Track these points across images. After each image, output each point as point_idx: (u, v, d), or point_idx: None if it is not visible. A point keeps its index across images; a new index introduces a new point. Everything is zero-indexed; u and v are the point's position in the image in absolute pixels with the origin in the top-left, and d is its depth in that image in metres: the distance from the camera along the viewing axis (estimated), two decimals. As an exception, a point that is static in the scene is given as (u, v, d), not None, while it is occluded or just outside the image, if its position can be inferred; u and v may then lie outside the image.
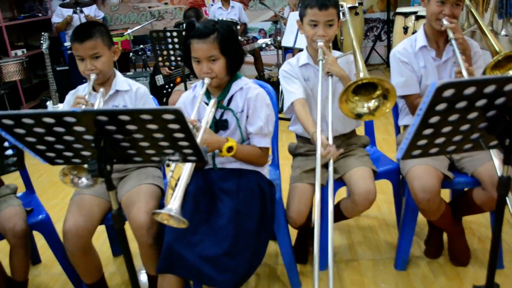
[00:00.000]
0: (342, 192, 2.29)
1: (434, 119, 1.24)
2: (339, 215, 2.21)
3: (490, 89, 1.18)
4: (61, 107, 2.25)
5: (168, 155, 1.36)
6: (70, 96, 2.24)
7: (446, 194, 2.41)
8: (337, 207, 2.21)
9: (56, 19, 5.66)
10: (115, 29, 7.21)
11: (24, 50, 6.39)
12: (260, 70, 6.20)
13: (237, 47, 1.97)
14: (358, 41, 2.40)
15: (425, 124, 1.25)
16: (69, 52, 5.35)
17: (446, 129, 1.30)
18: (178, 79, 4.69)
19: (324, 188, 2.17)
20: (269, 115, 1.99)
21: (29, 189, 2.48)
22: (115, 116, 1.17)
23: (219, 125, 2.00)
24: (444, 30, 2.09)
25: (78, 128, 1.23)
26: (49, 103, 4.65)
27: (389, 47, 6.83)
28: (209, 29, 1.87)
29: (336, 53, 2.26)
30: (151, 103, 2.24)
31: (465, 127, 1.31)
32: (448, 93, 1.16)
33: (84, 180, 1.84)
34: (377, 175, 2.21)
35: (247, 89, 1.99)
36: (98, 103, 2.01)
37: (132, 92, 2.19)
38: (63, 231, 1.95)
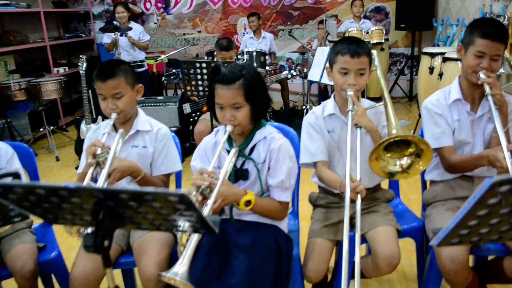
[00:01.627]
0: (362, 249, 2.02)
1: (482, 212, 0.99)
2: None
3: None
4: (93, 128, 2.05)
5: (176, 227, 1.14)
6: (91, 133, 2.06)
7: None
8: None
9: (106, 39, 5.56)
10: (152, 51, 7.12)
11: (66, 68, 6.33)
12: (286, 99, 5.98)
13: (263, 95, 1.75)
14: (383, 76, 2.16)
15: (471, 216, 1.00)
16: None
17: (494, 221, 1.04)
18: (205, 108, 4.50)
19: (341, 245, 1.92)
20: (292, 167, 1.75)
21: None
22: (115, 195, 0.95)
23: (239, 174, 1.76)
24: (480, 84, 1.84)
25: (75, 200, 1.02)
26: (83, 123, 4.51)
27: (411, 82, 6.54)
28: (235, 75, 1.65)
29: (365, 103, 2.01)
30: (171, 145, 2.03)
31: (514, 219, 1.05)
32: (504, 188, 0.91)
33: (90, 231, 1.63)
34: (400, 233, 1.95)
35: (271, 139, 1.76)
36: (116, 145, 1.81)
37: (153, 133, 1.99)
38: (70, 278, 1.74)
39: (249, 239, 1.69)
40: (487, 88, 1.80)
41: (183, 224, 1.12)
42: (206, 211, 1.48)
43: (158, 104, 4.59)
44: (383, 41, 5.29)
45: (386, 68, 5.69)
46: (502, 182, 0.89)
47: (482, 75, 1.83)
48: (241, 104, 1.65)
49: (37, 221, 2.20)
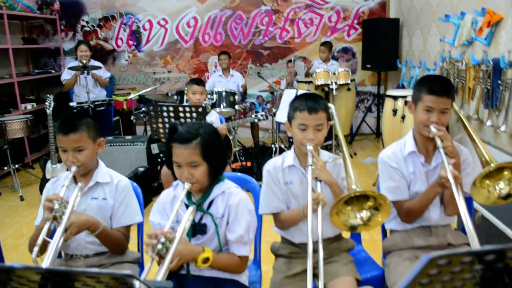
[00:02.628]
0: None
1: (425, 280, 1.02)
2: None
3: (489, 257, 0.97)
4: (52, 180, 2.02)
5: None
6: (50, 185, 2.03)
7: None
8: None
9: (65, 76, 5.55)
10: (122, 88, 7.11)
11: (34, 104, 6.25)
12: (256, 137, 6.04)
13: (220, 152, 1.77)
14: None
15: (415, 284, 1.03)
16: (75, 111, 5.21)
17: (438, 286, 1.08)
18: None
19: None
20: (251, 222, 1.76)
21: None
22: (61, 275, 0.94)
23: (197, 229, 1.76)
24: (432, 137, 1.91)
25: (23, 275, 1.00)
26: (48, 163, 4.43)
27: (378, 119, 6.72)
28: (191, 134, 1.68)
29: (324, 155, 2.05)
30: (132, 196, 2.01)
31: (458, 284, 1.09)
32: (442, 262, 0.95)
33: None
34: (362, 282, 1.97)
35: (229, 194, 1.78)
36: (74, 199, 1.79)
37: (113, 185, 1.98)
38: None
39: (208, 296, 1.68)
40: (438, 141, 1.87)
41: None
42: (162, 271, 1.47)
43: (126, 143, 4.57)
44: (349, 82, 5.43)
45: (353, 107, 5.83)
46: (440, 257, 0.93)
47: (433, 129, 1.90)
48: (198, 162, 1.67)
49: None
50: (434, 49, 5.09)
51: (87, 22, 7.15)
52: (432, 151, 2.03)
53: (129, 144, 4.58)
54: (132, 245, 2.09)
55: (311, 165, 1.85)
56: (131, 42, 7.17)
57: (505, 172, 1.83)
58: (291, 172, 2.01)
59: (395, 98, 4.33)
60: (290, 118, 1.98)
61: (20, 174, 5.18)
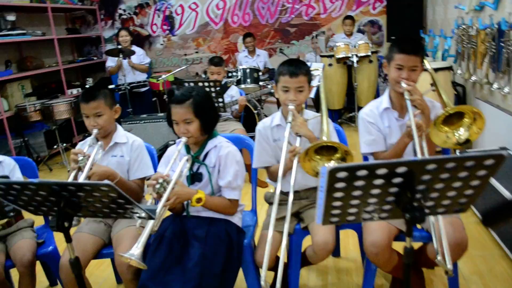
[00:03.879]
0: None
1: (338, 195, 1.30)
2: (305, 261, 2.25)
3: (382, 171, 1.24)
4: (81, 142, 2.45)
5: (121, 214, 1.48)
6: (79, 146, 2.44)
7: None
8: (303, 253, 2.25)
9: (110, 63, 6.04)
10: (159, 71, 7.57)
11: (79, 89, 6.81)
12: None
13: (211, 112, 2.10)
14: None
15: (331, 198, 1.31)
16: (119, 92, 5.71)
17: (354, 202, 1.35)
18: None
19: (292, 236, 2.24)
20: (238, 171, 2.09)
21: (47, 222, 2.67)
22: (64, 186, 1.31)
23: (194, 177, 2.12)
24: (403, 92, 2.12)
25: (42, 192, 1.38)
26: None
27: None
28: (185, 96, 2.02)
29: (308, 114, 2.33)
30: (145, 154, 2.39)
31: (372, 200, 1.35)
32: (341, 175, 1.22)
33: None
34: (342, 225, 2.25)
35: (220, 147, 2.11)
36: (95, 154, 2.18)
37: (128, 144, 2.36)
38: (59, 265, 2.10)
39: (203, 231, 2.03)
40: (406, 95, 2.10)
41: (125, 212, 1.47)
42: (160, 204, 1.83)
43: (158, 120, 4.99)
44: (370, 54, 5.58)
45: (375, 79, 5.97)
46: (336, 170, 1.21)
47: (403, 84, 2.12)
48: (191, 119, 2.01)
49: (38, 223, 2.58)
50: (452, 16, 5.14)
51: (124, 10, 7.64)
52: (406, 107, 2.25)
53: (161, 120, 5.00)
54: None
55: (290, 122, 2.14)
56: (165, 27, 7.60)
57: (465, 119, 2.03)
58: (279, 131, 2.30)
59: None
60: (276, 82, 2.27)
61: (68, 153, 5.74)
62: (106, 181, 1.25)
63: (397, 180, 1.27)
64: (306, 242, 2.22)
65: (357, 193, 1.30)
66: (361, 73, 5.72)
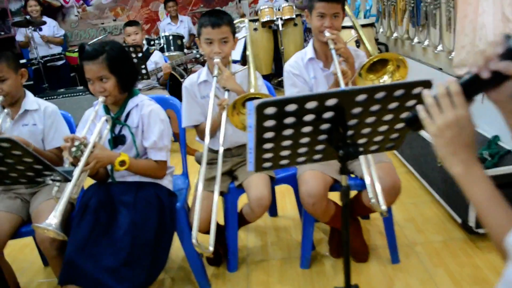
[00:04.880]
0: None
1: (268, 135, 1.24)
2: (243, 220, 2.20)
3: (312, 105, 1.18)
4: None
5: (32, 177, 1.33)
6: None
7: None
8: (240, 212, 2.20)
9: (19, 37, 5.56)
10: (75, 44, 7.10)
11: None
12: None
13: (128, 66, 1.95)
14: (250, 43, 2.38)
15: (261, 140, 1.25)
16: (33, 67, 5.28)
17: (286, 143, 1.29)
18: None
19: (227, 195, 2.17)
20: (163, 130, 1.97)
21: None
22: None
23: (117, 140, 1.97)
24: (326, 40, 2.09)
25: None
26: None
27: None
28: (97, 51, 1.85)
29: (235, 68, 2.24)
30: (60, 121, 2.19)
31: (305, 140, 1.31)
32: (270, 111, 1.16)
33: None
34: (277, 181, 2.22)
35: (142, 106, 1.98)
36: (1, 122, 1.96)
37: (41, 111, 2.15)
38: None
39: (131, 197, 1.90)
40: (330, 44, 2.06)
41: (38, 175, 1.32)
42: (77, 170, 1.67)
43: (77, 93, 4.68)
44: (294, 16, 5.56)
45: (301, 42, 5.98)
46: (264, 104, 1.14)
47: (326, 33, 2.08)
48: (106, 76, 1.85)
49: None
50: (373, -25, 5.22)
51: (31, -21, 7.02)
52: (331, 57, 2.21)
53: (81, 94, 4.69)
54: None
55: (216, 76, 2.05)
56: (78, -3, 7.11)
57: (389, 66, 2.05)
58: (206, 87, 2.20)
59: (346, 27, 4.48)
60: (199, 35, 2.15)
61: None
62: (5, 136, 1.08)
63: (328, 115, 1.23)
64: (242, 201, 2.17)
65: (288, 132, 1.25)
66: (287, 37, 5.69)
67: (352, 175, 2.16)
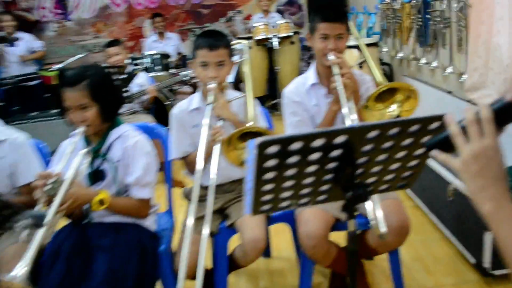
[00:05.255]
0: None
1: (269, 175, 1.19)
2: (234, 264, 2.14)
3: (319, 142, 1.15)
4: None
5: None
6: None
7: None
8: (231, 256, 2.14)
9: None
10: (52, 62, 7.06)
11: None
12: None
13: (112, 93, 1.91)
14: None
15: (261, 181, 1.20)
16: (3, 88, 5.24)
17: (288, 184, 1.25)
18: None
19: (217, 236, 2.11)
20: (149, 164, 1.92)
21: None
22: None
23: (96, 175, 1.91)
24: (331, 64, 2.06)
25: None
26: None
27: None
28: (78, 76, 1.81)
29: (232, 95, 2.21)
30: (30, 153, 2.12)
31: (309, 180, 1.26)
32: (273, 150, 1.12)
33: None
34: (273, 219, 2.17)
35: (126, 137, 1.93)
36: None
37: (8, 143, 2.06)
38: None
39: (109, 240, 1.83)
40: (334, 69, 2.03)
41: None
42: (51, 211, 1.60)
43: (52, 118, 4.62)
44: (291, 34, 5.59)
45: (297, 61, 6.00)
46: (267, 143, 1.10)
47: (331, 57, 2.06)
48: (88, 104, 1.80)
49: None
50: (374, -8, 5.29)
51: (4, -8, 7.05)
52: None
53: (56, 118, 4.62)
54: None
55: (211, 103, 2.00)
56: (57, 11, 7.11)
57: (398, 95, 2.03)
58: (198, 115, 2.14)
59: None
60: (193, 57, 2.11)
61: None
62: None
63: (335, 153, 1.19)
64: (233, 243, 2.11)
65: (291, 172, 1.21)
66: (283, 55, 5.71)
67: (358, 212, 2.10)
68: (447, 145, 0.88)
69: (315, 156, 1.18)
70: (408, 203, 3.18)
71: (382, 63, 4.89)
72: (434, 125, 1.19)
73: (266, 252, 2.73)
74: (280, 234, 2.85)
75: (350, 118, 1.89)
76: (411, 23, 4.05)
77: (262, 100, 6.22)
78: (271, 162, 1.15)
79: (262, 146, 1.09)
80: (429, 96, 3.69)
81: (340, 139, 1.15)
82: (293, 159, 1.16)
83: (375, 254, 2.14)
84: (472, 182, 0.85)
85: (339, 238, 2.02)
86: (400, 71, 4.65)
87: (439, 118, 1.17)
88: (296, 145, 1.12)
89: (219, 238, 2.11)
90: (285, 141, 1.10)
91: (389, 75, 4.87)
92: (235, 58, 2.28)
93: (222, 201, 2.18)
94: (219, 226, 2.11)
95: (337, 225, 2.04)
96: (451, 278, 2.37)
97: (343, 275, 2.26)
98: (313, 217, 1.94)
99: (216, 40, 2.06)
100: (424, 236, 2.79)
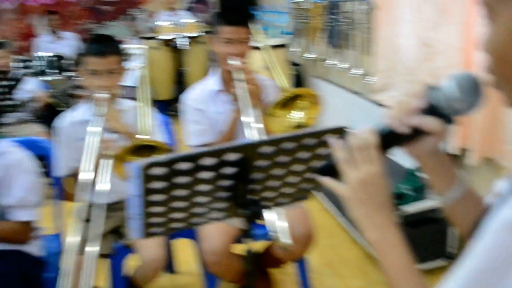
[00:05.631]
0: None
1: (157, 198, 1.14)
2: (134, 285, 2.07)
3: (209, 161, 1.12)
4: None
5: None
6: None
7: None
8: (131, 277, 2.08)
9: None
10: None
11: None
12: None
13: None
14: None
15: (147, 203, 1.15)
16: None
17: (180, 204, 1.21)
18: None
19: (112, 257, 2.03)
20: (31, 183, 1.81)
21: None
22: None
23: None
24: (233, 70, 2.05)
25: None
26: None
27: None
28: None
29: (125, 104, 2.14)
30: None
31: (202, 199, 1.23)
32: (158, 171, 1.07)
33: None
34: (174, 235, 2.13)
35: (4, 154, 1.79)
36: None
37: None
38: None
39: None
40: (235, 74, 2.02)
41: None
42: None
43: None
44: (199, 34, 5.54)
45: (206, 62, 5.97)
46: (151, 165, 1.05)
47: (234, 62, 2.05)
48: None
49: None
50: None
51: None
52: None
53: None
54: None
55: (101, 115, 1.91)
56: None
57: (302, 102, 2.06)
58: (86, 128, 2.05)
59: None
60: (82, 64, 2.00)
61: None
62: None
63: (229, 170, 1.17)
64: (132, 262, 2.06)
65: (182, 192, 1.16)
66: (191, 56, 5.65)
67: (262, 222, 2.10)
68: (336, 171, 0.88)
69: (206, 175, 1.15)
70: (316, 206, 3.25)
71: (293, 63, 4.98)
72: (330, 137, 1.20)
73: (171, 267, 2.67)
74: (186, 248, 2.80)
75: (251, 127, 1.90)
76: (321, 23, 4.15)
77: (168, 104, 6.11)
78: (158, 184, 1.10)
79: (146, 168, 1.04)
80: (338, 97, 3.81)
81: (232, 157, 1.13)
82: (182, 180, 1.12)
83: (282, 263, 2.17)
84: (358, 209, 0.85)
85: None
86: (310, 71, 4.75)
87: (334, 130, 1.18)
88: (184, 165, 1.08)
89: (114, 259, 2.03)
90: (172, 162, 1.06)
91: (300, 76, 4.96)
92: (133, 64, 2.20)
93: (117, 220, 2.09)
94: (112, 246, 2.03)
95: (242, 237, 2.02)
96: (360, 280, 2.46)
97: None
98: (215, 232, 1.92)
99: (106, 46, 1.98)
100: (333, 240, 2.87)
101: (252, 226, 1.29)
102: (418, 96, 0.83)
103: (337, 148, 0.88)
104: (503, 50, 0.64)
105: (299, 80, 4.87)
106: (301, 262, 2.17)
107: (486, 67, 0.69)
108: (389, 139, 0.86)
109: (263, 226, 2.03)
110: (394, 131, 0.85)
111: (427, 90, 0.82)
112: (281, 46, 4.55)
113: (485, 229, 0.59)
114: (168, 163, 1.06)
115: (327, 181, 0.89)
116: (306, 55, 4.52)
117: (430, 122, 0.81)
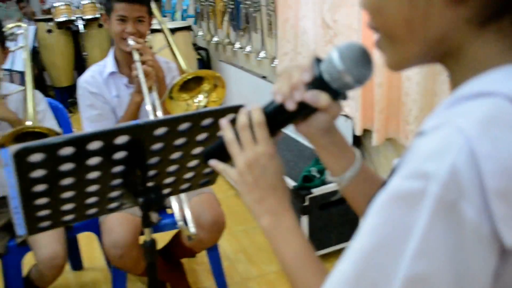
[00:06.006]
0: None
1: (39, 188, 1.04)
2: (32, 286, 1.94)
3: (95, 145, 1.03)
4: None
5: None
6: None
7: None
8: (27, 277, 1.95)
9: None
10: None
11: None
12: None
13: None
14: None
15: (29, 195, 1.05)
16: None
17: (68, 195, 1.11)
18: None
19: (6, 257, 1.88)
20: None
21: None
22: None
23: None
24: (130, 50, 1.95)
25: None
26: None
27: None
28: None
29: (10, 88, 1.98)
30: None
31: (93, 188, 1.14)
32: (36, 158, 0.97)
33: None
34: (75, 229, 2.03)
35: None
36: None
37: None
38: None
39: None
40: (135, 55, 1.92)
41: None
42: None
43: None
44: (98, 16, 5.27)
45: (108, 47, 5.70)
46: (26, 151, 0.95)
47: (130, 41, 1.95)
48: None
49: None
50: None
51: None
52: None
53: None
54: None
55: None
56: None
57: (205, 85, 2.00)
58: None
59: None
60: None
61: None
62: None
63: (119, 155, 1.09)
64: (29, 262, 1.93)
65: (68, 181, 1.08)
66: (91, 40, 5.36)
67: (169, 211, 2.04)
68: (225, 153, 0.81)
69: (94, 160, 1.06)
70: (229, 192, 3.22)
71: (198, 47, 4.88)
72: (230, 117, 1.16)
73: (77, 263, 2.54)
74: (92, 242, 2.67)
75: (152, 111, 1.81)
76: (224, 6, 4.09)
77: (69, 90, 5.82)
78: (38, 173, 1.00)
79: (21, 155, 0.94)
80: (244, 81, 3.80)
81: (122, 140, 1.05)
82: (67, 167, 1.03)
83: (194, 252, 2.11)
84: (248, 194, 0.78)
85: (160, 237, 1.94)
86: (216, 56, 4.69)
87: (232, 109, 1.14)
88: (67, 151, 0.99)
89: (9, 259, 1.89)
90: (51, 147, 0.97)
91: (206, 60, 4.89)
92: (12, 44, 2.03)
93: (9, 216, 1.94)
94: (6, 245, 1.88)
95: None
96: (274, 265, 2.46)
97: (163, 281, 2.20)
98: (118, 223, 1.82)
99: None
100: (246, 225, 2.85)
101: (149, 216, 1.23)
102: (304, 69, 0.75)
103: (225, 128, 0.81)
104: (378, 2, 0.60)
105: (205, 65, 4.80)
106: (213, 250, 2.12)
107: (368, 24, 0.64)
108: (277, 116, 0.78)
109: (171, 215, 1.98)
110: (281, 107, 0.77)
111: (313, 62, 0.75)
112: (186, 28, 4.42)
113: (372, 204, 0.54)
114: (46, 148, 0.96)
115: (216, 165, 0.82)
116: (212, 39, 4.45)
117: (316, 97, 0.74)
